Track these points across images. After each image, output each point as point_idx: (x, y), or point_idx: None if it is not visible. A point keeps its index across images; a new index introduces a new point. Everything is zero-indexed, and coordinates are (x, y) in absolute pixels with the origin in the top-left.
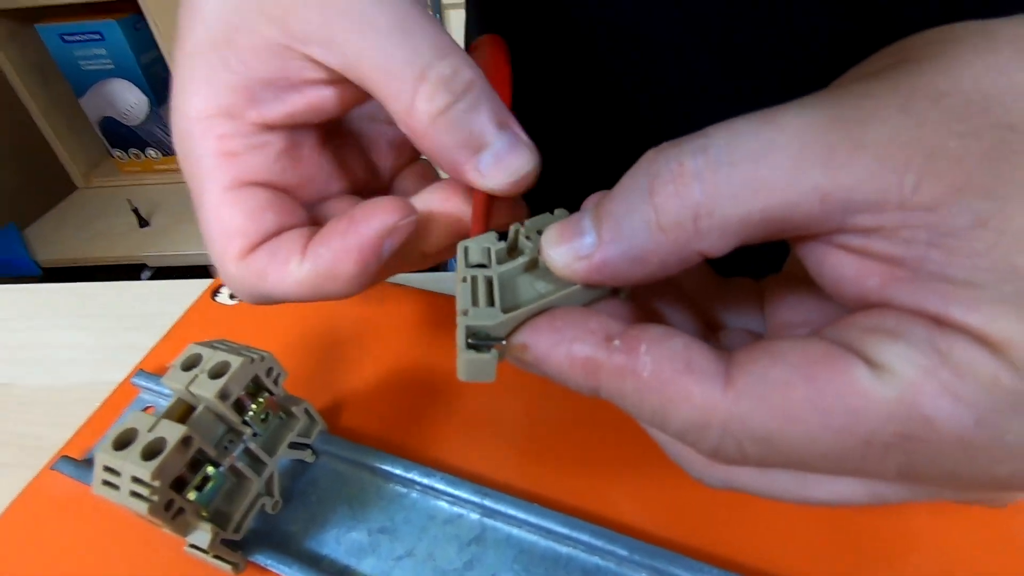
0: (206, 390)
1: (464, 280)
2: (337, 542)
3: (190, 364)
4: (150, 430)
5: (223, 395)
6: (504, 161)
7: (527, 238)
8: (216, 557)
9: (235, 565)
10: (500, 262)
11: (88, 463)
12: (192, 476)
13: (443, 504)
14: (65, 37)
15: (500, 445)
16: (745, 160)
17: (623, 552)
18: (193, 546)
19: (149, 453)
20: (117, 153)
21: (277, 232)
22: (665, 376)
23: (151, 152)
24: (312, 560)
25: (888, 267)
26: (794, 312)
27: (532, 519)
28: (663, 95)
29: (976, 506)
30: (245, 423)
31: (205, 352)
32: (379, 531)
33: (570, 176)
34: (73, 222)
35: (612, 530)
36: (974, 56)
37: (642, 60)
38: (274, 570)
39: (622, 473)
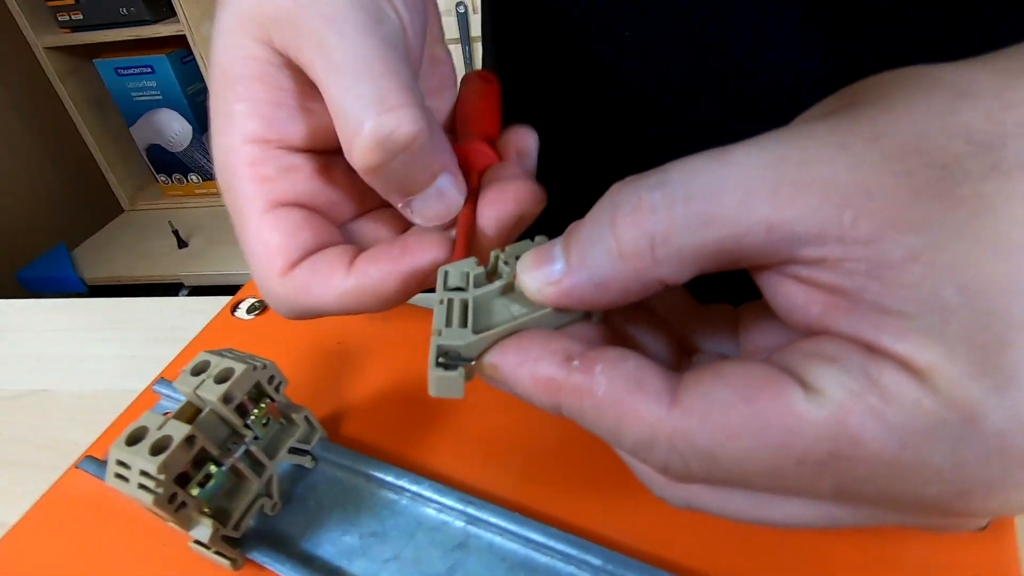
0: (211, 393)
1: (441, 302)
2: (331, 544)
3: (199, 370)
4: (159, 428)
5: (226, 399)
6: (431, 208)
7: (505, 263)
8: (217, 553)
9: (234, 561)
10: (478, 286)
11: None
12: (196, 473)
13: (431, 511)
14: (119, 70)
15: (490, 458)
16: (699, 195)
17: (597, 562)
18: (197, 542)
19: (156, 449)
20: (162, 178)
21: (315, 250)
22: (618, 395)
23: (192, 177)
24: (306, 560)
25: (831, 296)
26: (766, 338)
27: (513, 527)
28: (662, 125)
29: (948, 532)
30: (247, 426)
31: (213, 359)
32: (370, 535)
33: (574, 196)
34: (118, 243)
35: (588, 540)
36: (912, 99)
37: (645, 101)
38: (270, 568)
39: (603, 487)
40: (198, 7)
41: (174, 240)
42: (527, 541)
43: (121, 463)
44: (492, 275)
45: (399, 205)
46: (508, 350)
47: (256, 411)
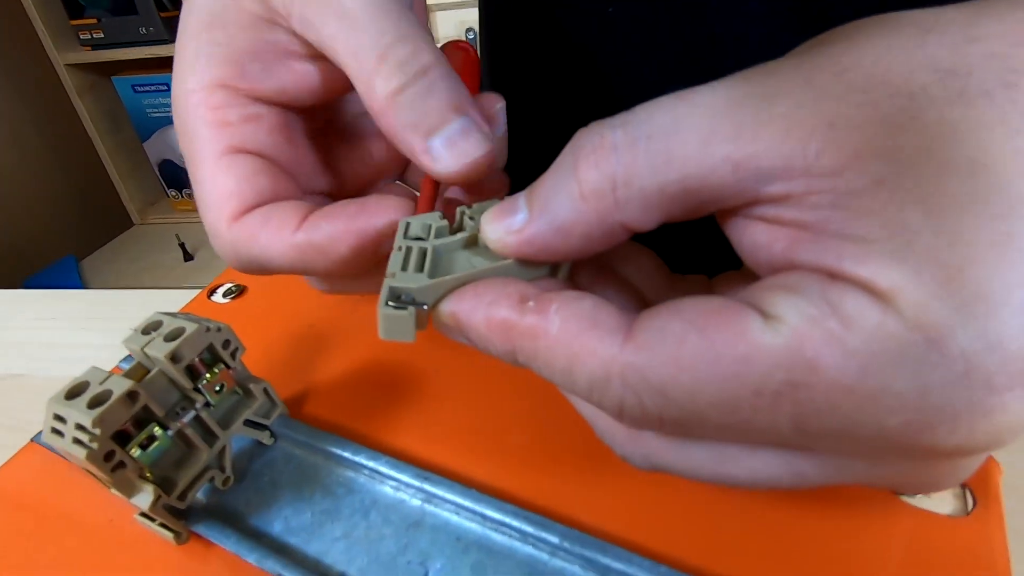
0: (159, 351)
1: (399, 248)
2: (282, 521)
3: (150, 329)
4: (100, 383)
5: (175, 358)
6: (456, 146)
7: (471, 219)
8: (161, 525)
9: (177, 535)
10: (440, 237)
11: None
12: (137, 433)
13: (388, 489)
14: (136, 87)
15: (452, 440)
16: (660, 134)
17: (554, 539)
18: (143, 514)
19: (95, 403)
20: (172, 193)
21: (271, 199)
22: (572, 333)
23: None
24: (255, 536)
25: (796, 231)
26: None
27: (469, 504)
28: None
29: (924, 492)
30: (197, 390)
31: (166, 319)
32: (323, 513)
33: None
34: (126, 255)
35: (546, 518)
36: (878, 36)
37: (629, 80)
38: (216, 542)
39: (565, 469)
40: None
41: (180, 253)
42: (484, 519)
43: (58, 417)
44: (457, 231)
45: (420, 151)
46: (465, 295)
47: (208, 376)
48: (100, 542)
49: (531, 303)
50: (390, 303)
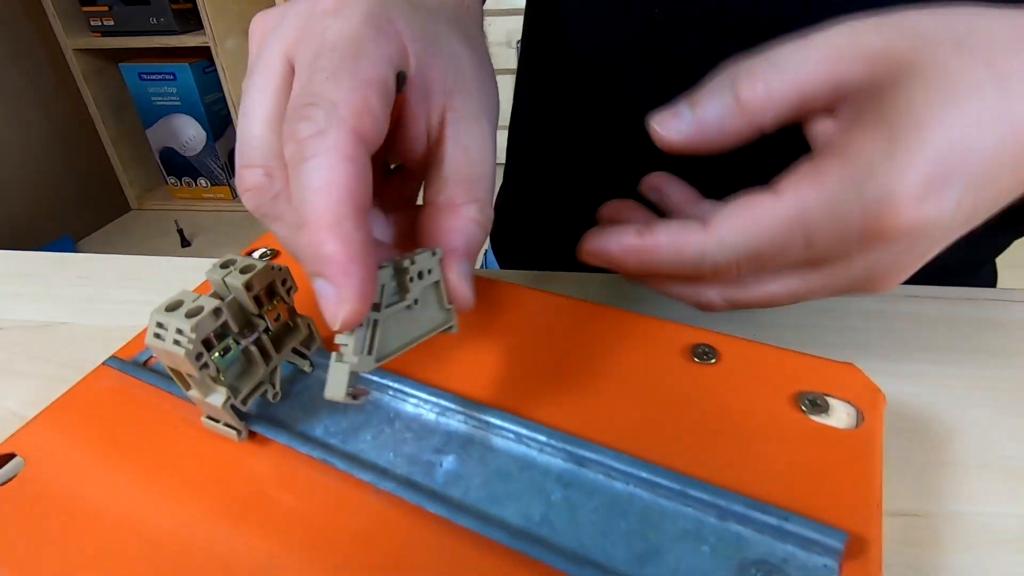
0: (236, 280)
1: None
2: (322, 428)
3: (227, 264)
4: (193, 301)
5: (248, 286)
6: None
7: (411, 279)
8: (226, 425)
9: (239, 432)
10: (388, 303)
11: (133, 363)
12: (217, 344)
13: (408, 406)
14: (143, 75)
15: (463, 368)
16: (788, 64)
17: (542, 438)
18: (209, 417)
19: (190, 315)
20: (171, 180)
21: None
22: (674, 237)
23: (202, 181)
24: (302, 436)
25: (834, 130)
26: None
27: (474, 413)
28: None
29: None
30: (260, 317)
31: (239, 259)
32: (355, 422)
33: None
34: (123, 239)
35: (535, 422)
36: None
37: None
38: (272, 438)
39: (550, 388)
40: (224, 22)
41: (178, 239)
42: (488, 425)
43: (160, 324)
44: (402, 285)
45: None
46: (600, 238)
47: (268, 306)
48: (171, 441)
49: (643, 231)
50: (351, 394)
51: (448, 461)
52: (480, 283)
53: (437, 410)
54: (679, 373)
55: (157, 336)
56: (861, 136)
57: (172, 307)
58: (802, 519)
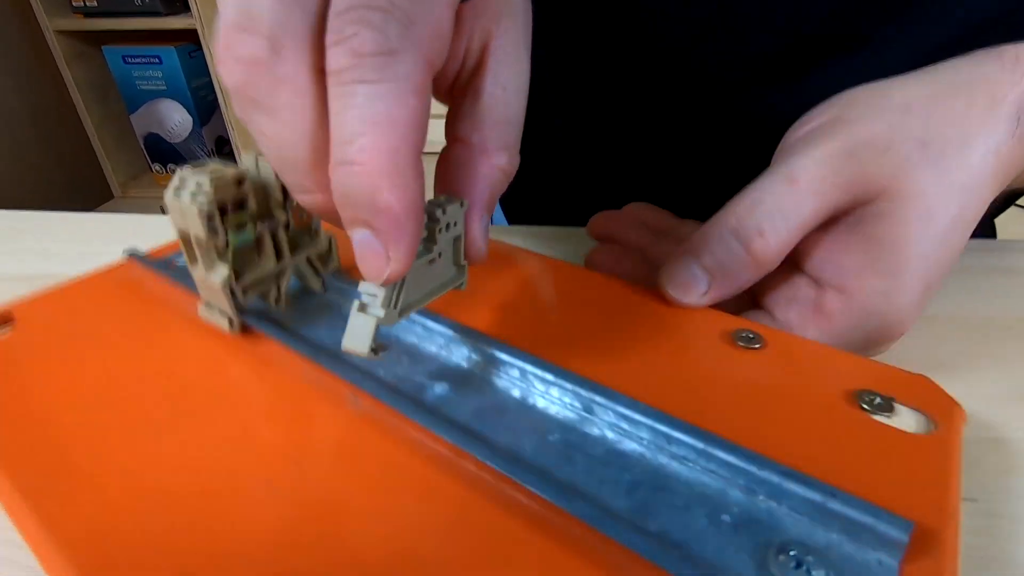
0: (266, 169)
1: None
2: (322, 335)
3: (258, 154)
4: (220, 168)
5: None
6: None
7: (439, 231)
8: (220, 312)
9: (231, 322)
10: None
11: (157, 260)
12: (232, 214)
13: (413, 338)
14: (127, 58)
15: (468, 306)
16: (793, 216)
17: (521, 364)
18: (207, 305)
19: (213, 174)
20: (156, 167)
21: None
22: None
23: None
24: (299, 336)
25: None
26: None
27: (481, 345)
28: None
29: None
30: (284, 210)
31: None
32: None
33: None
34: None
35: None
36: (871, 116)
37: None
38: (266, 333)
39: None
40: (212, 4)
41: None
42: (491, 358)
43: (181, 180)
44: (429, 238)
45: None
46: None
47: (295, 202)
48: (169, 331)
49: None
50: (373, 348)
51: (440, 386)
52: (515, 253)
53: (441, 341)
54: (718, 355)
55: (176, 191)
56: (859, 277)
57: (198, 167)
58: (854, 498)
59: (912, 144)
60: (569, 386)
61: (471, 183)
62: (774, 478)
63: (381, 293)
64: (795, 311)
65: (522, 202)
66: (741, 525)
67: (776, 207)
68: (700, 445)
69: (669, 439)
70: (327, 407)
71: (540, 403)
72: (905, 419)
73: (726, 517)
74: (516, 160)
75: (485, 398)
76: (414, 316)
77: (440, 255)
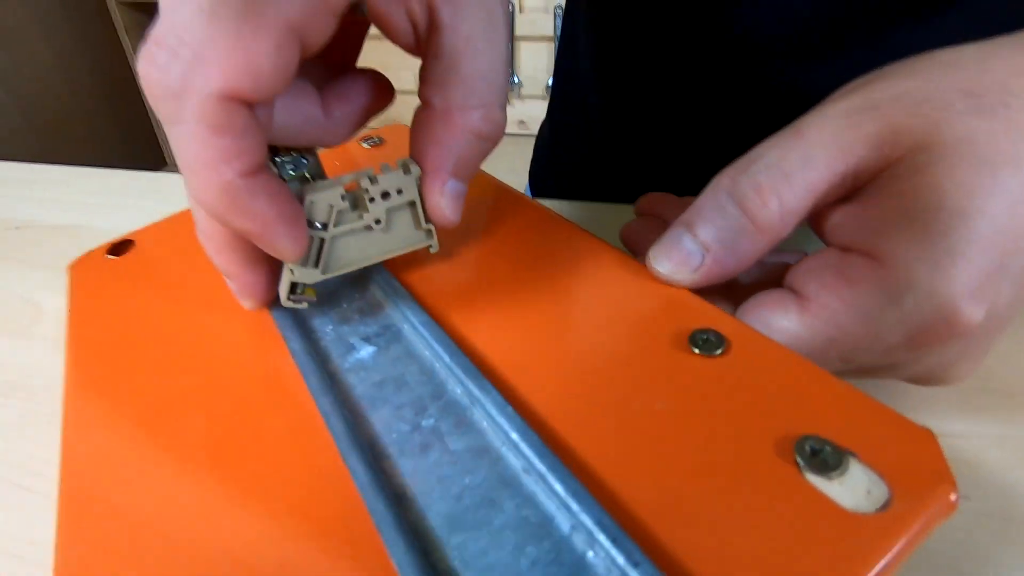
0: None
1: None
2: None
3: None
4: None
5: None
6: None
7: (371, 200)
8: None
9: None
10: (339, 222)
11: None
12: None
13: (376, 291)
14: None
15: (443, 276)
16: (797, 167)
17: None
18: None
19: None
20: None
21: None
22: None
23: None
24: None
25: (854, 213)
26: None
27: (407, 311)
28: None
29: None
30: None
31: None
32: (337, 286)
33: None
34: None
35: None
36: (916, 73)
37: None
38: None
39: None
40: None
41: None
42: (411, 323)
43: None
44: (357, 204)
45: (439, 182)
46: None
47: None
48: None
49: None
50: (291, 297)
51: (366, 350)
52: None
53: (386, 293)
54: (663, 360)
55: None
56: (890, 237)
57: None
58: (656, 574)
59: (956, 94)
60: (459, 371)
61: (431, 147)
62: (589, 522)
63: None
64: (815, 280)
65: (561, 177)
66: (543, 566)
67: (777, 161)
68: (537, 461)
69: (520, 453)
70: (256, 357)
71: (441, 378)
72: (854, 482)
73: (531, 551)
74: (495, 117)
75: (395, 368)
76: (384, 273)
77: (379, 222)
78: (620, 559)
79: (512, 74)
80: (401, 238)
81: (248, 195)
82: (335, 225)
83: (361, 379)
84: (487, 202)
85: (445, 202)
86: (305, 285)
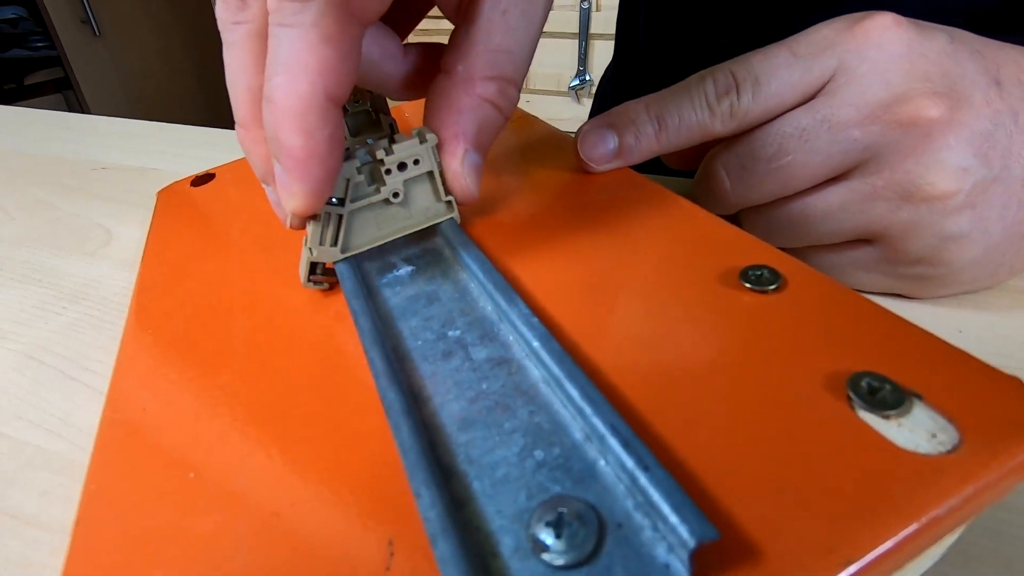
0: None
1: (317, 219)
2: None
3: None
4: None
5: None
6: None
7: (387, 171)
8: None
9: None
10: (356, 198)
11: None
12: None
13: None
14: None
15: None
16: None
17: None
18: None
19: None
20: None
21: None
22: None
23: None
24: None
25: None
26: None
27: (452, 237)
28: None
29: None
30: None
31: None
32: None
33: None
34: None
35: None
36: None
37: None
38: None
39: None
40: None
41: None
42: (455, 251)
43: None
44: (375, 177)
45: (458, 151)
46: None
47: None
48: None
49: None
50: (311, 278)
51: (404, 268)
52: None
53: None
54: (713, 296)
55: None
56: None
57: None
58: (668, 479)
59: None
60: (490, 286)
61: (447, 114)
62: (601, 427)
63: (311, 231)
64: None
65: None
66: (548, 469)
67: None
68: (555, 367)
69: (538, 355)
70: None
71: (473, 294)
72: (916, 423)
73: (539, 454)
74: (511, 93)
75: (431, 285)
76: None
77: (397, 195)
78: (629, 462)
79: (584, 72)
80: (420, 211)
81: (318, 118)
82: (352, 200)
83: (395, 292)
84: (534, 142)
85: (465, 170)
86: (323, 265)
